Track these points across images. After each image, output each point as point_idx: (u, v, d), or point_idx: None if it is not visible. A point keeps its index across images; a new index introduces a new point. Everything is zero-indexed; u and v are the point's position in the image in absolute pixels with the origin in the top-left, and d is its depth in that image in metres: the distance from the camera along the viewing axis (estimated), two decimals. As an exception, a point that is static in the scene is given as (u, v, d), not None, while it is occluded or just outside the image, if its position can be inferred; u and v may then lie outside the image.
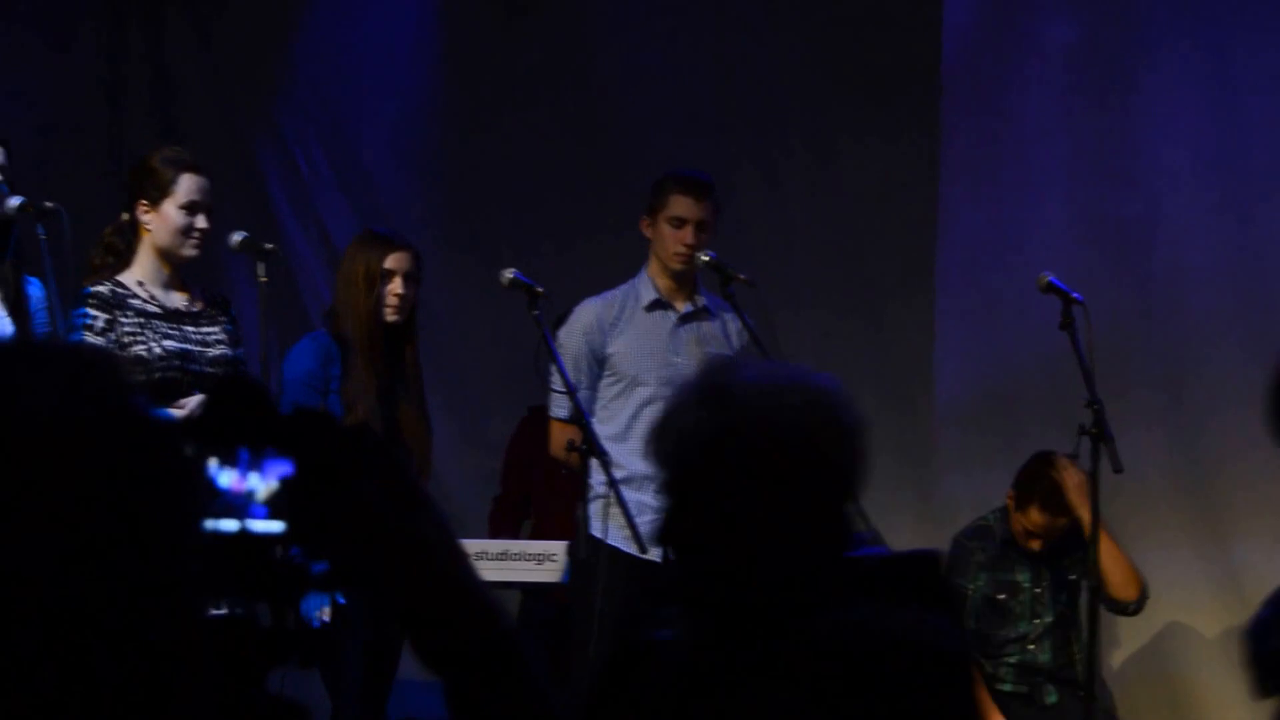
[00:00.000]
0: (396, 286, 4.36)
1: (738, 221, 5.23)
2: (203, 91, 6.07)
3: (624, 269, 4.85)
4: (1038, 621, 5.10)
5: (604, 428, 4.53)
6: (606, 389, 4.66)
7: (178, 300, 4.18)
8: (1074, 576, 5.06)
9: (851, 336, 5.89)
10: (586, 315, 4.69)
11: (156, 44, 6.09)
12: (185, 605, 1.02)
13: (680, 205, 4.63)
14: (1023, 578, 5.09)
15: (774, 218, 5.96)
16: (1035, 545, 5.04)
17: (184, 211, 4.11)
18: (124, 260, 4.14)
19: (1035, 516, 4.99)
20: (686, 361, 4.64)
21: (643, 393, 4.63)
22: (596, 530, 4.47)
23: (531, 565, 4.82)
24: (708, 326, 4.74)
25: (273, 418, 1.13)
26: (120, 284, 4.12)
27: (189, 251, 4.14)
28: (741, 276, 4.52)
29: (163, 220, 4.11)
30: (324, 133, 6.17)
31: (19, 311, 4.02)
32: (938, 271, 5.89)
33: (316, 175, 6.15)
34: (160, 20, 6.08)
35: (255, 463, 1.12)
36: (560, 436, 4.60)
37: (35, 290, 4.10)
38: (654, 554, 4.46)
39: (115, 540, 0.98)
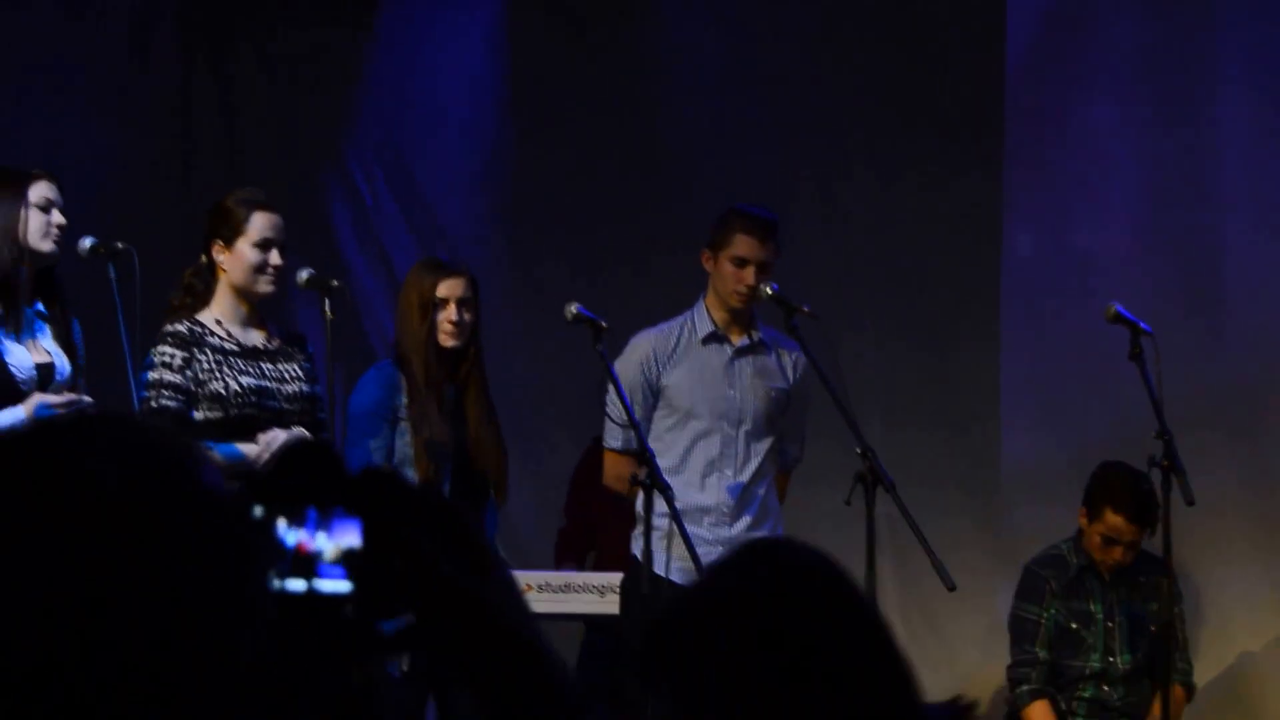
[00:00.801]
0: (450, 313, 4.39)
1: (799, 252, 5.21)
2: (269, 127, 6.13)
3: (684, 294, 4.84)
4: (1113, 660, 5.03)
5: (659, 460, 4.52)
6: (661, 421, 4.64)
7: (255, 338, 4.22)
8: (1155, 628, 4.92)
9: (915, 368, 5.85)
10: (643, 347, 4.68)
11: (224, 80, 6.16)
12: (249, 669, 1.03)
13: (744, 245, 4.59)
14: (1095, 608, 5.03)
15: (836, 247, 5.94)
16: (1116, 555, 4.93)
17: (258, 249, 4.16)
18: (203, 300, 4.20)
19: (1110, 519, 4.91)
20: (741, 395, 4.63)
21: (697, 425, 4.61)
22: (658, 565, 4.45)
23: (594, 597, 4.81)
24: (764, 360, 4.71)
25: (341, 477, 1.14)
26: (198, 322, 4.17)
27: (265, 288, 4.18)
28: (805, 309, 4.50)
29: (238, 259, 4.16)
30: (389, 166, 6.22)
31: (69, 349, 4.09)
32: (1002, 301, 5.85)
33: (381, 209, 6.19)
34: (228, 56, 6.15)
35: (323, 522, 1.13)
36: (614, 467, 4.60)
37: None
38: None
39: (176, 611, 0.99)
